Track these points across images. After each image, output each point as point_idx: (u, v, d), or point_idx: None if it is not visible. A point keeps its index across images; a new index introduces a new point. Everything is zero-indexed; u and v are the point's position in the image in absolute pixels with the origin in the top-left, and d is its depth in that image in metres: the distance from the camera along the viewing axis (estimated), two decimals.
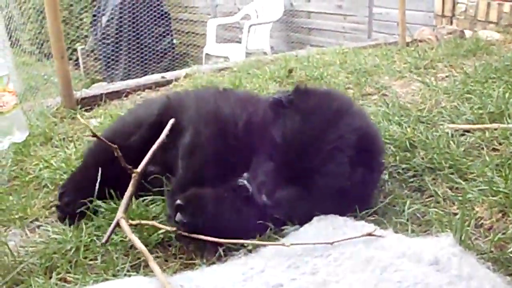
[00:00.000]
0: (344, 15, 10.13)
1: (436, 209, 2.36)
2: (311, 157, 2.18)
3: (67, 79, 5.05)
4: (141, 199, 2.56)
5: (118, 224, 2.19)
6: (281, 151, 2.24)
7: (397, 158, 2.85)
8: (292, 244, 1.97)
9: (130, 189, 2.35)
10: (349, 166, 2.17)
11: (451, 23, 7.96)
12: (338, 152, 2.18)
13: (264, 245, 2.06)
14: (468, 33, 7.05)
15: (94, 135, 2.32)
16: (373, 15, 9.51)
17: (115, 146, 2.30)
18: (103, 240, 2.21)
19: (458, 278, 1.73)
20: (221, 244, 2.16)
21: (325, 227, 2.13)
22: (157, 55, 12.11)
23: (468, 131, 3.16)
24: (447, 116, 3.41)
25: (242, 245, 2.14)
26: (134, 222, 2.24)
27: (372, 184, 2.37)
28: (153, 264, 1.94)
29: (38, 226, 2.66)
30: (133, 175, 2.38)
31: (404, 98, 4.00)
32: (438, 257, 1.80)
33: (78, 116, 4.77)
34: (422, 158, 2.81)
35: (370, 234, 1.98)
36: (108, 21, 11.92)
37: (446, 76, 4.57)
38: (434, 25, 8.01)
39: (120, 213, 2.22)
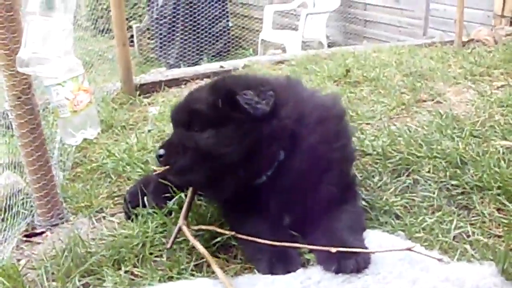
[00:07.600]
0: (401, 9, 10.06)
1: (481, 231, 2.44)
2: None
3: (128, 65, 5.27)
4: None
5: (180, 230, 2.37)
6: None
7: (447, 173, 2.90)
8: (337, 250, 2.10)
9: (189, 196, 2.52)
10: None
11: (511, 24, 7.82)
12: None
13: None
14: None
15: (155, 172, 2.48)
16: (430, 11, 9.42)
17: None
18: (168, 246, 2.38)
19: None
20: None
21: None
22: (212, 37, 12.24)
23: None
24: (500, 131, 3.41)
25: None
26: (195, 228, 2.42)
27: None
28: (216, 267, 2.11)
29: (104, 217, 2.86)
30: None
31: (457, 107, 4.03)
32: (480, 286, 1.91)
33: (138, 102, 4.97)
34: (472, 176, 2.85)
35: (409, 249, 2.07)
36: (164, 1, 12.12)
37: (502, 86, 4.55)
38: (492, 25, 7.89)
39: (181, 220, 2.40)
